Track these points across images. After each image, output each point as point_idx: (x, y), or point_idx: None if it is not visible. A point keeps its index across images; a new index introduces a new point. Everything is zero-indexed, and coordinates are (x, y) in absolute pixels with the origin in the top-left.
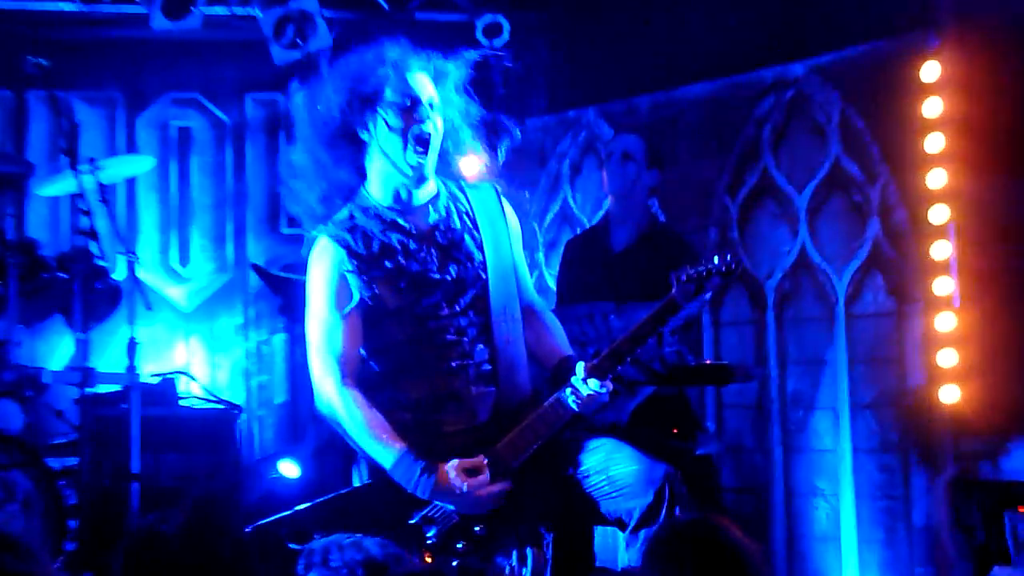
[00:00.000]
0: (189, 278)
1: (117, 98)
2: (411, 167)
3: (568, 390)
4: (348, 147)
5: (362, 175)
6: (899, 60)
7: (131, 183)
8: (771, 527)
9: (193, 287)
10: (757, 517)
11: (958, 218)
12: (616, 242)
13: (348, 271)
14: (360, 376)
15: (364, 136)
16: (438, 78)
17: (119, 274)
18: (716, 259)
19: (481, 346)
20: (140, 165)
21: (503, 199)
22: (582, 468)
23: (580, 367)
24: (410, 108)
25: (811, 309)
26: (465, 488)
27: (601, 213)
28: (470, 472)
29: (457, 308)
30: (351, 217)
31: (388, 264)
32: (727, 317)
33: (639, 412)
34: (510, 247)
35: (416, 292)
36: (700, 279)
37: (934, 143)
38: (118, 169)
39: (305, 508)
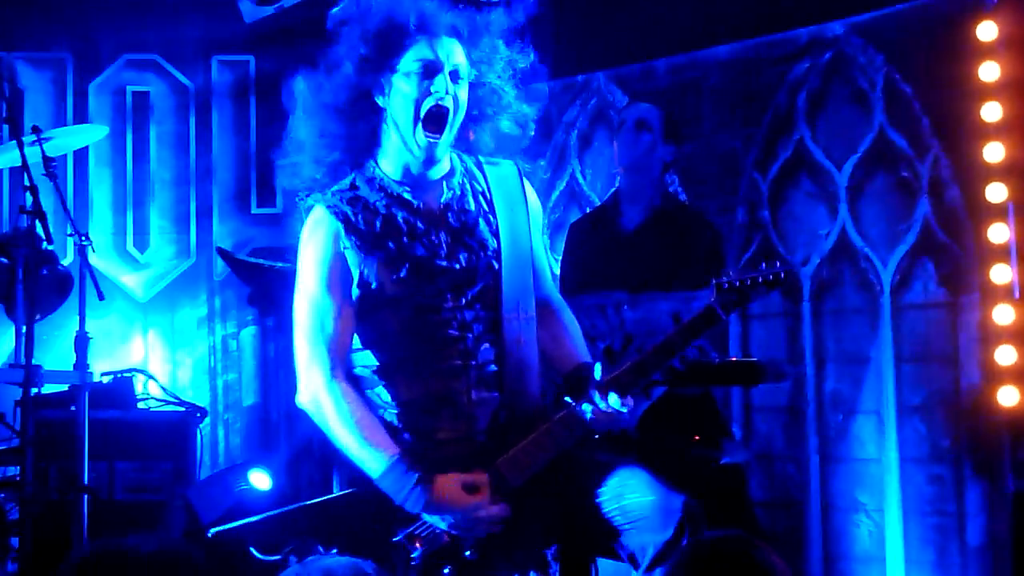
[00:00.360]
0: (147, 264)
1: (66, 60)
2: (419, 147)
3: (586, 404)
4: (366, 114)
5: (377, 143)
6: (952, 19)
7: (82, 156)
8: (807, 546)
9: (151, 274)
10: (791, 534)
11: (1018, 197)
12: (627, 221)
13: (345, 248)
14: (352, 370)
15: (380, 101)
16: (478, 33)
17: (68, 259)
18: (764, 265)
19: (487, 345)
20: (92, 135)
21: (525, 180)
22: (596, 494)
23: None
24: (429, 76)
25: (852, 300)
26: (460, 508)
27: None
28: (469, 489)
29: (463, 301)
30: (353, 187)
31: (391, 244)
32: (757, 309)
33: (656, 416)
34: (529, 235)
35: (419, 279)
36: (744, 289)
37: (991, 112)
38: (67, 140)
39: (276, 514)
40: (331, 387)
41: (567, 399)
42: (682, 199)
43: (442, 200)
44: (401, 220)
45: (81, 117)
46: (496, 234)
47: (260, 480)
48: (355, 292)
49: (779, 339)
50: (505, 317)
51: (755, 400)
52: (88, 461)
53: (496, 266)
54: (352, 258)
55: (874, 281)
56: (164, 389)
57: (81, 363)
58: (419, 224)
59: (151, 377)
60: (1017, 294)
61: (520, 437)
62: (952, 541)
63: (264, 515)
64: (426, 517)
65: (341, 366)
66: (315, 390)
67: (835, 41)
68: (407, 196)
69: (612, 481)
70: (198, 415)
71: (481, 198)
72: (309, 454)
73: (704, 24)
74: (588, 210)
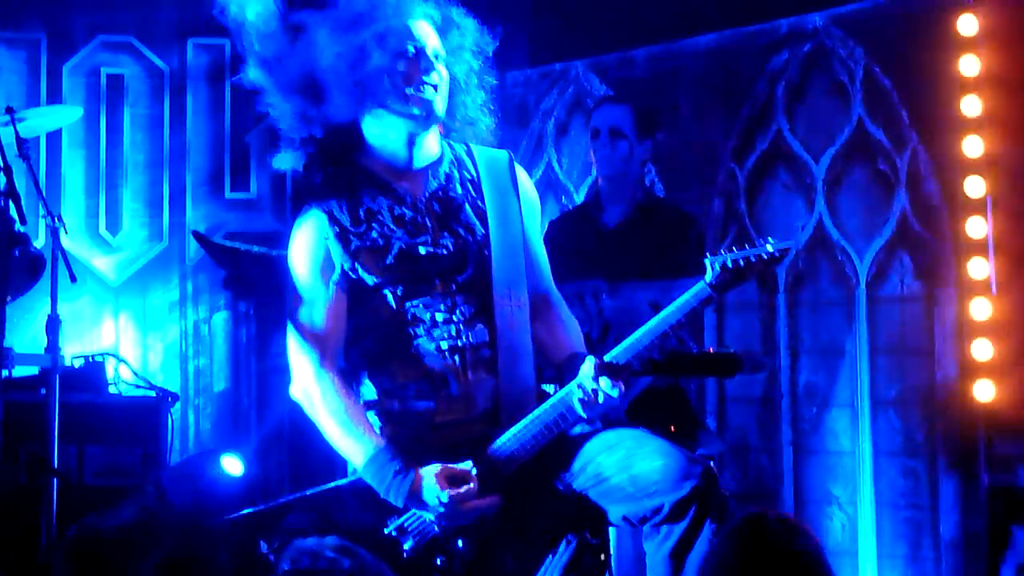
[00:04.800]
0: (119, 247)
1: (40, 40)
2: (418, 106)
3: (575, 387)
4: (349, 107)
5: (359, 136)
6: (932, 12)
7: (55, 137)
8: None
9: (124, 257)
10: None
11: (996, 191)
12: (608, 219)
13: (330, 239)
14: (347, 360)
15: (363, 93)
16: (448, 25)
17: (40, 241)
18: (758, 243)
19: (480, 326)
20: (66, 116)
21: (518, 168)
22: (599, 469)
23: (590, 362)
24: (414, 58)
25: (828, 292)
26: (445, 498)
27: (587, 186)
28: (453, 481)
29: (452, 287)
30: (336, 179)
31: (375, 233)
32: (732, 300)
33: (633, 406)
34: (520, 222)
35: (405, 266)
36: (738, 268)
37: (970, 106)
38: (41, 121)
39: (269, 506)
40: (320, 377)
41: (548, 387)
42: (660, 193)
43: (428, 187)
44: (385, 208)
45: (55, 98)
46: (484, 219)
47: (233, 466)
48: (343, 282)
49: (754, 330)
50: (496, 302)
51: (729, 391)
52: (58, 445)
53: (486, 252)
54: (337, 249)
55: (850, 274)
56: (136, 373)
57: (52, 346)
58: (405, 211)
59: (122, 361)
60: (994, 289)
61: (514, 423)
62: (925, 535)
63: (258, 507)
64: (410, 508)
65: (331, 357)
66: (305, 381)
67: (815, 33)
68: (392, 185)
69: (619, 453)
70: (169, 400)
71: (469, 184)
72: (279, 441)
73: (684, 13)
74: (569, 206)
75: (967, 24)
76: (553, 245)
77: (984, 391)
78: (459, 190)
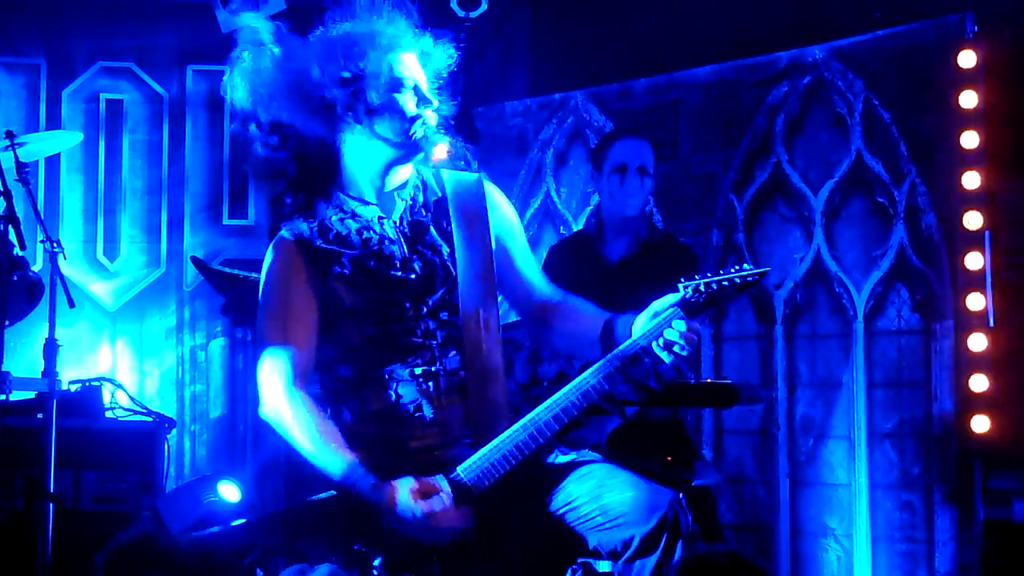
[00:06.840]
0: (117, 272)
1: (40, 65)
2: (410, 140)
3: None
4: (321, 125)
5: (336, 165)
6: (932, 46)
7: (53, 162)
8: (775, 570)
9: (121, 283)
10: (759, 558)
11: (994, 225)
12: (612, 252)
13: (302, 263)
14: (321, 387)
15: (348, 120)
16: (428, 62)
17: (38, 266)
18: (733, 268)
19: (452, 352)
20: (65, 141)
21: (491, 188)
22: (571, 498)
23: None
24: (399, 89)
25: (825, 325)
26: (419, 512)
27: (588, 214)
28: (426, 494)
29: (424, 310)
30: (309, 205)
31: (344, 256)
32: (730, 331)
33: (626, 435)
34: (490, 243)
35: (376, 288)
36: (711, 293)
37: (969, 140)
38: (40, 145)
39: (239, 525)
40: (291, 395)
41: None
42: (658, 223)
43: (396, 210)
44: (354, 231)
45: (54, 123)
46: (449, 240)
47: (230, 492)
48: (315, 306)
49: (751, 362)
50: (463, 324)
51: (726, 423)
52: (54, 470)
53: (452, 272)
54: (309, 273)
55: (848, 306)
56: (132, 399)
57: (50, 371)
58: (373, 235)
59: (119, 386)
60: (991, 322)
61: (485, 443)
62: (921, 568)
63: (226, 526)
64: (384, 523)
65: (301, 377)
66: (275, 400)
67: (815, 65)
68: (359, 210)
69: (591, 482)
70: (166, 426)
71: (433, 205)
72: (276, 468)
73: (683, 45)
74: (567, 234)
75: (967, 58)
76: (552, 273)
77: (981, 425)
78: (423, 212)
